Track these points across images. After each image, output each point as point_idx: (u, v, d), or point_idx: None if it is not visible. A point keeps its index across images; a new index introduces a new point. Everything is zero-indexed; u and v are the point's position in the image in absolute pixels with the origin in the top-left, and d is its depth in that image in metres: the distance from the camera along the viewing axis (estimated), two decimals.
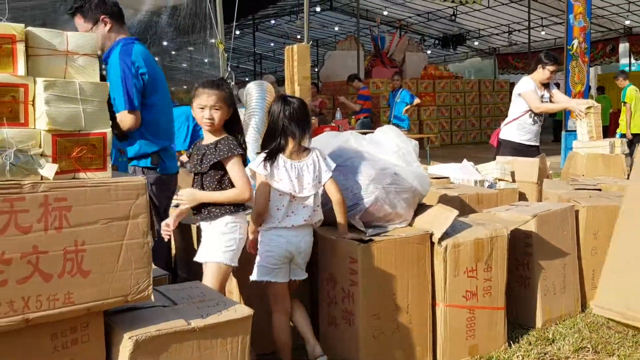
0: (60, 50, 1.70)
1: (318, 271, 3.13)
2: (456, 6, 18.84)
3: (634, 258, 1.88)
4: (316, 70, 19.02)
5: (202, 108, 2.84)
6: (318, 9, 19.40)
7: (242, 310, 2.07)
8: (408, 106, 10.74)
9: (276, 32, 22.87)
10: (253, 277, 2.89)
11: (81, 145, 1.71)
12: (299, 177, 2.84)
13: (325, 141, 3.38)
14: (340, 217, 2.93)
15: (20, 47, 1.62)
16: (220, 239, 2.83)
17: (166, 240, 2.86)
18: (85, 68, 1.75)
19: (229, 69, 7.12)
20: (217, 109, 2.84)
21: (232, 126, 2.96)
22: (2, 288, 1.58)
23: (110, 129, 1.78)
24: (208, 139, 2.91)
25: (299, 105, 2.93)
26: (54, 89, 1.65)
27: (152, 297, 1.86)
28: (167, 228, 2.92)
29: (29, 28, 1.65)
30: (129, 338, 1.79)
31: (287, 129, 2.86)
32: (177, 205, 3.09)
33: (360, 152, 3.21)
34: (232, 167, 2.84)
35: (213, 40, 7.49)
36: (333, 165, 2.92)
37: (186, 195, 2.81)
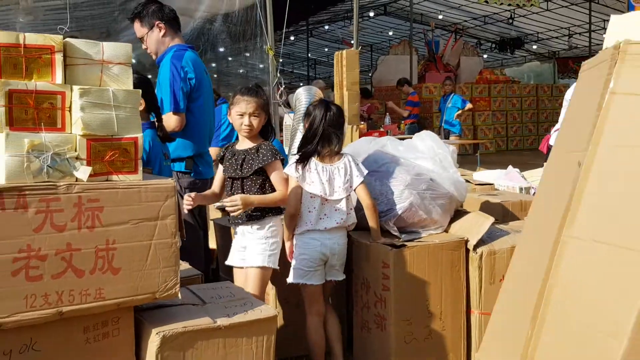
0: (96, 60, 1.80)
1: (352, 276, 3.16)
2: (513, 9, 18.49)
3: (507, 325, 1.79)
4: (370, 75, 19.02)
5: (241, 115, 2.90)
6: (372, 13, 19.40)
7: (268, 311, 2.13)
8: (460, 111, 10.63)
9: (330, 37, 23.00)
10: (289, 279, 2.95)
11: (114, 149, 1.80)
12: (330, 180, 2.89)
13: (362, 146, 3.42)
14: (372, 222, 2.95)
15: (58, 57, 1.73)
16: (264, 243, 2.90)
17: (185, 211, 2.84)
18: (120, 76, 1.85)
19: (278, 74, 7.23)
20: (256, 116, 2.91)
21: (266, 131, 3.03)
22: (37, 282, 1.69)
23: (142, 134, 1.87)
24: (245, 144, 2.97)
25: (338, 112, 2.99)
26: (88, 96, 1.75)
27: (179, 295, 1.94)
28: (190, 200, 2.84)
29: (67, 39, 1.76)
30: (157, 333, 1.87)
31: (325, 134, 2.92)
32: (223, 210, 3.14)
33: (396, 158, 3.22)
34: (278, 172, 2.91)
35: (265, 46, 7.62)
36: (365, 171, 2.95)
37: (242, 200, 2.81)
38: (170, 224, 1.88)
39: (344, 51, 7.64)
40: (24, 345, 1.71)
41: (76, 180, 1.75)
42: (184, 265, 2.65)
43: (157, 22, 3.61)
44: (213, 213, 4.20)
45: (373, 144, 3.41)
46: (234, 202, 2.80)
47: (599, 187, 1.59)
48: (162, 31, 3.63)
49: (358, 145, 3.50)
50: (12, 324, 1.66)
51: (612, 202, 1.55)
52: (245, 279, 2.92)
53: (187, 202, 2.81)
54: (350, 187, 2.92)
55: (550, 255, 1.63)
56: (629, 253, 1.45)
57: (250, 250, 2.91)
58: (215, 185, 3.10)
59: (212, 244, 4.01)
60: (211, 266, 3.97)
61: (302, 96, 6.89)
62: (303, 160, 2.90)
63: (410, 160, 3.22)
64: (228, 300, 2.20)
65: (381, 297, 2.93)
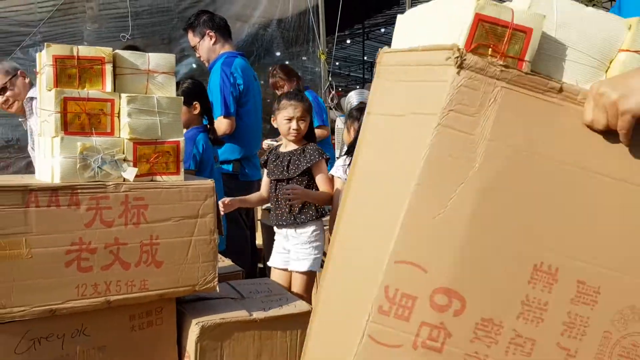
0: (142, 70, 1.96)
1: None
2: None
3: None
4: None
5: (289, 119, 3.01)
6: None
7: (302, 306, 2.23)
8: None
9: (387, 40, 22.97)
10: None
11: (157, 152, 1.95)
12: None
13: None
14: None
15: (108, 68, 1.89)
16: (308, 247, 3.00)
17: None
18: (164, 84, 2.00)
19: (330, 78, 7.36)
20: (303, 120, 3.02)
21: (309, 134, 3.14)
22: (88, 273, 1.85)
23: (184, 138, 2.02)
24: (289, 147, 3.09)
25: None
26: (135, 103, 1.91)
27: (217, 289, 2.07)
28: (223, 205, 2.96)
29: (116, 51, 1.93)
30: (196, 324, 2.01)
31: None
32: (269, 210, 3.27)
33: None
34: (324, 172, 3.01)
35: (317, 51, 7.77)
36: None
37: (300, 191, 2.92)
38: (209, 221, 2.01)
39: None
40: (75, 330, 1.87)
41: (123, 180, 1.91)
42: (227, 262, 2.80)
43: (207, 31, 3.79)
44: (261, 213, 4.35)
45: None
46: (295, 190, 2.90)
47: (349, 219, 1.38)
48: (213, 39, 3.81)
49: None
50: (65, 311, 1.83)
51: (354, 240, 1.33)
52: (292, 283, 3.02)
53: (220, 207, 2.91)
54: None
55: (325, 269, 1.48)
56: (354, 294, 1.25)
57: (296, 255, 3.00)
58: (263, 189, 3.23)
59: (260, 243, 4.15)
60: (259, 264, 4.11)
61: (354, 100, 6.99)
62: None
63: None
64: (265, 296, 2.32)
65: None
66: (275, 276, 3.12)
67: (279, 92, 4.81)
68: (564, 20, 1.17)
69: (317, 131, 4.42)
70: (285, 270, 3.08)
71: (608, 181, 1.13)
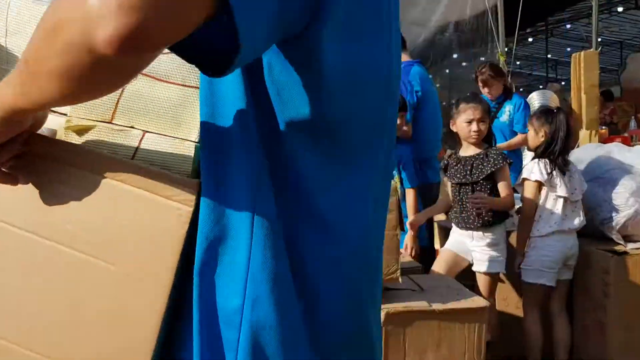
0: None
1: (573, 280, 3.18)
2: None
3: None
4: (618, 74, 17.49)
5: (469, 122, 3.07)
6: (620, 9, 17.82)
7: (479, 302, 2.35)
8: None
9: (573, 36, 21.62)
10: (526, 279, 3.00)
11: None
12: (570, 182, 2.96)
13: (587, 152, 3.41)
14: None
15: None
16: (493, 249, 3.06)
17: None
18: None
19: (510, 79, 7.24)
20: (483, 122, 3.07)
21: (488, 137, 3.18)
22: None
23: None
24: (470, 150, 3.12)
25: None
26: None
27: (400, 280, 2.27)
28: (411, 227, 3.31)
29: None
30: (381, 309, 2.22)
31: (566, 140, 3.03)
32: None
33: (622, 164, 3.17)
34: (506, 176, 3.05)
35: (496, 51, 7.67)
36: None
37: (487, 199, 2.98)
38: (392, 218, 2.22)
39: (582, 52, 7.34)
40: None
41: None
42: (407, 258, 2.99)
43: None
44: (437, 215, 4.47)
45: (598, 149, 3.39)
46: (483, 199, 2.98)
47: None
48: None
49: (582, 151, 3.50)
50: None
51: None
52: (477, 283, 3.08)
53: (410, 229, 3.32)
54: (582, 190, 2.99)
55: None
56: None
57: (480, 255, 3.06)
58: (447, 195, 3.30)
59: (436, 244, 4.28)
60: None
61: (536, 101, 6.83)
62: (549, 164, 3.00)
63: (637, 167, 3.14)
64: (445, 289, 2.48)
65: (601, 303, 2.94)
66: (445, 257, 3.16)
67: (485, 90, 4.85)
68: (19, 26, 0.91)
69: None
70: (456, 255, 3.12)
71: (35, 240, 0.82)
